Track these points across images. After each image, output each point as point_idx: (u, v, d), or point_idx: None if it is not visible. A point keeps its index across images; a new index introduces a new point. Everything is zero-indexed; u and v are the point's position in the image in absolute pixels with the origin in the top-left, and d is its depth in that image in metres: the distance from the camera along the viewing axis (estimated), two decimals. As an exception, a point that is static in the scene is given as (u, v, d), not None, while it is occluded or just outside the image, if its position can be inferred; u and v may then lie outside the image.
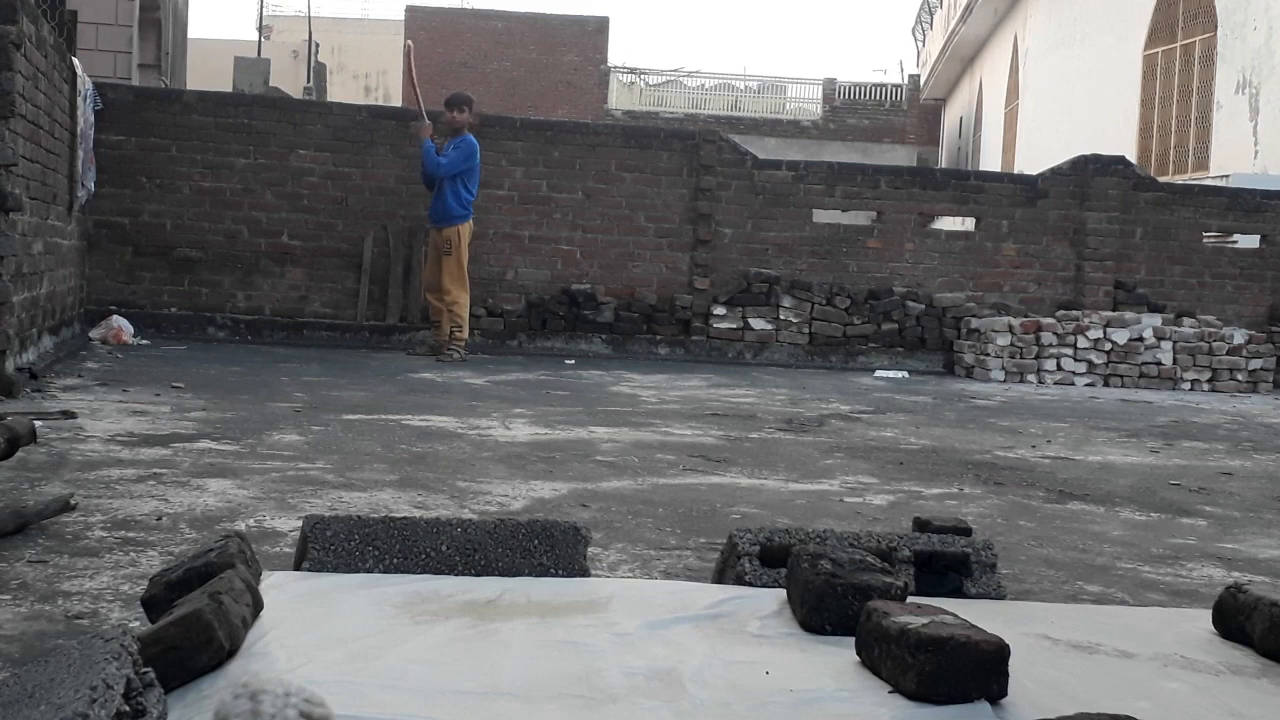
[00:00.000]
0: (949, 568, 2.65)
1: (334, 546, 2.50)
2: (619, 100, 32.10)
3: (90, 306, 9.51)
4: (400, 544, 2.53)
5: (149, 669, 1.63)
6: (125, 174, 9.93)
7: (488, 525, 2.63)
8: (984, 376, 10.39)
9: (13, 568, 2.76)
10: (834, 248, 11.07)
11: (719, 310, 10.75)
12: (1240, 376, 10.69)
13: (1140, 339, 10.63)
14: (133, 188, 9.97)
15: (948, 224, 12.16)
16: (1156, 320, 10.81)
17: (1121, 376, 10.57)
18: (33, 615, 2.42)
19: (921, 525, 2.91)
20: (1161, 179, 14.13)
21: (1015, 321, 10.59)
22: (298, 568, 2.53)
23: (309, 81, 27.91)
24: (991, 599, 2.62)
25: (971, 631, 1.92)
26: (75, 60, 8.26)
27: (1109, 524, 4.13)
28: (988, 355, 10.47)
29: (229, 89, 18.50)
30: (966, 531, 2.84)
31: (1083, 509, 4.38)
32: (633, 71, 33.83)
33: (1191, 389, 10.57)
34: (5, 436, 3.64)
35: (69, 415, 5.09)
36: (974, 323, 10.76)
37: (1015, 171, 20.26)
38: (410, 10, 31.96)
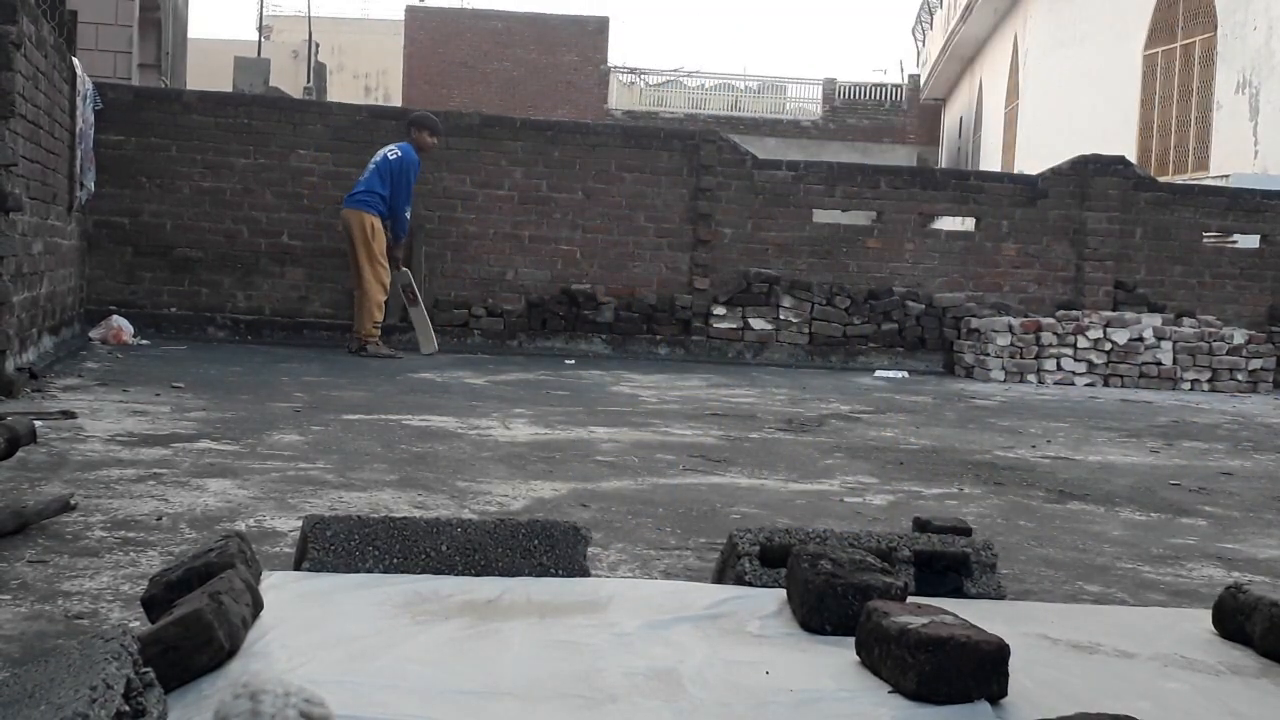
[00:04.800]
0: (949, 568, 2.65)
1: (334, 546, 2.50)
2: (619, 100, 32.11)
3: (90, 306, 9.51)
4: (400, 544, 2.53)
5: (149, 669, 1.63)
6: (125, 174, 9.93)
7: (488, 525, 2.63)
8: (984, 376, 10.39)
9: (13, 568, 2.76)
10: (834, 248, 11.07)
11: (719, 310, 10.75)
12: (1240, 376, 10.69)
13: (1140, 339, 10.63)
14: (133, 188, 9.97)
15: (948, 224, 12.17)
16: (1156, 320, 10.81)
17: (1121, 376, 10.57)
18: (33, 615, 2.42)
19: (921, 525, 2.91)
20: (1161, 179, 14.13)
21: (1015, 321, 10.59)
22: (298, 568, 2.53)
23: (309, 81, 27.92)
24: (991, 599, 2.62)
25: (971, 631, 1.92)
26: (75, 60, 8.26)
27: (1109, 524, 4.13)
28: (988, 355, 10.47)
29: (229, 89, 18.50)
30: (966, 531, 2.84)
31: (1083, 509, 4.38)
32: (633, 71, 33.85)
33: (1191, 389, 10.57)
34: (5, 436, 3.64)
35: (69, 415, 5.09)
36: (974, 323, 10.76)
37: (1015, 171, 20.25)
38: (410, 10, 31.99)
